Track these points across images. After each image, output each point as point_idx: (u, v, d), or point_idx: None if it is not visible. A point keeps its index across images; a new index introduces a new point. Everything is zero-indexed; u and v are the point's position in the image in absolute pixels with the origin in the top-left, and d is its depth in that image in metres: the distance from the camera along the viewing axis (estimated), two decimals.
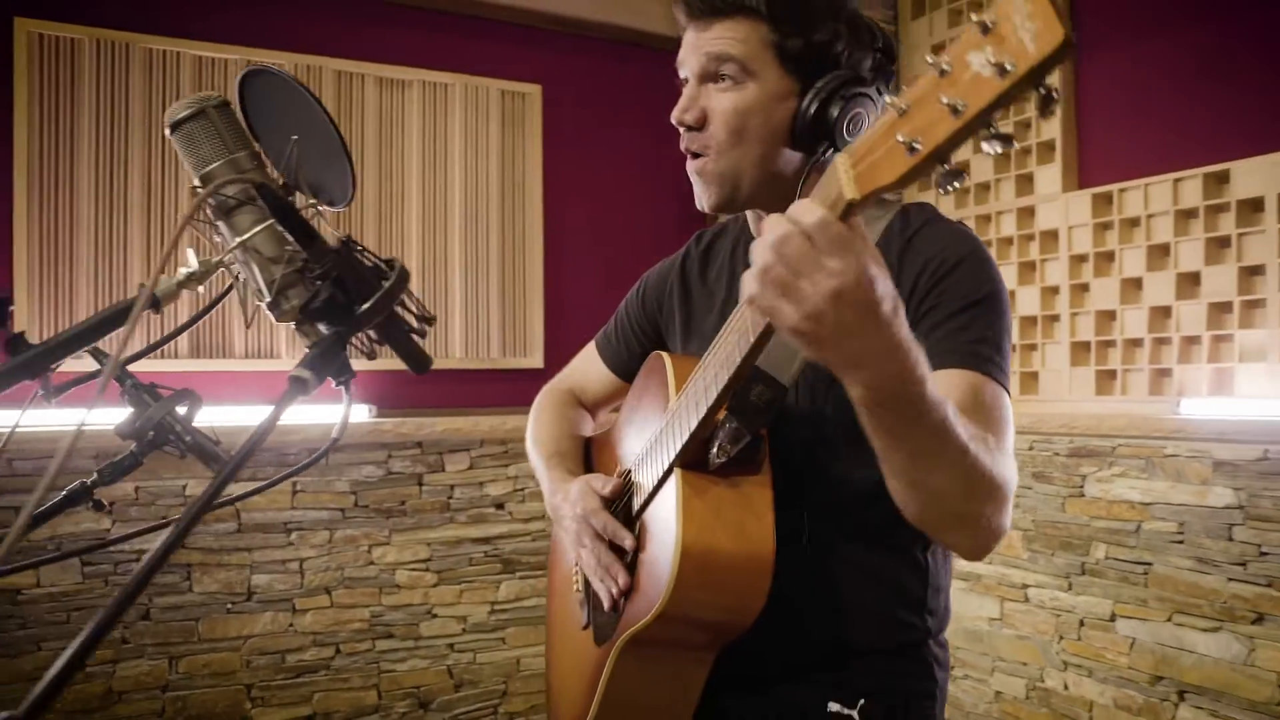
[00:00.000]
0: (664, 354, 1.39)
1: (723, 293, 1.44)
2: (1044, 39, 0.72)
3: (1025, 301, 3.44)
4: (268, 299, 1.11)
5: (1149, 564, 2.98)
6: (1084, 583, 3.14)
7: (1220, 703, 2.78)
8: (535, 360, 3.76)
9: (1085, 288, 3.27)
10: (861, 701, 1.23)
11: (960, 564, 3.45)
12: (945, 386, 1.05)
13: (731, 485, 1.19)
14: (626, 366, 1.59)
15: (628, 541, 1.28)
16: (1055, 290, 3.35)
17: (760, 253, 0.84)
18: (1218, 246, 2.94)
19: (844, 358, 0.87)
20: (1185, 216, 3.00)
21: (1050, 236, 3.37)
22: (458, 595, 3.50)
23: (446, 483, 3.52)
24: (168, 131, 1.10)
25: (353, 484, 3.36)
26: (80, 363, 1.15)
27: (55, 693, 0.62)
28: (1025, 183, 3.47)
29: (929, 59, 0.80)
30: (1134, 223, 3.14)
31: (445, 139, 3.65)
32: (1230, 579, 2.78)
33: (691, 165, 1.31)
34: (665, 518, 1.20)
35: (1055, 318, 3.36)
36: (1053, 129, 3.35)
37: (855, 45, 1.24)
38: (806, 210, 0.84)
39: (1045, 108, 0.76)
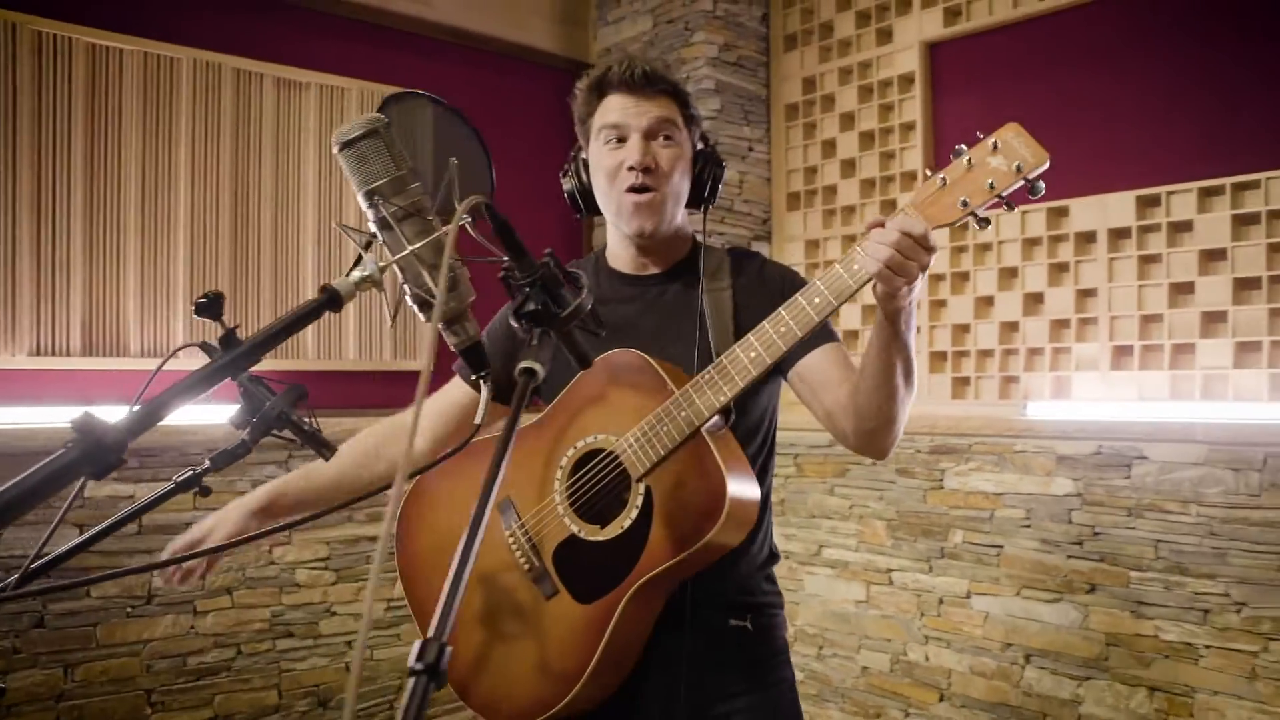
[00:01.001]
0: (641, 353, 1.62)
1: (623, 311, 1.78)
2: (1039, 153, 1.43)
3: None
4: (440, 300, 1.26)
5: (1000, 546, 3.41)
6: (943, 565, 3.56)
7: (1060, 662, 3.24)
8: (425, 363, 3.84)
9: (943, 304, 3.69)
10: (749, 615, 1.71)
11: (829, 553, 3.82)
12: (830, 353, 1.68)
13: (731, 445, 1.57)
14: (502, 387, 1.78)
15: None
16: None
17: (900, 241, 1.38)
18: (1058, 271, 3.41)
19: (907, 300, 1.44)
20: (1031, 244, 3.47)
21: None
22: (356, 593, 3.56)
23: None
24: (335, 149, 1.23)
25: (255, 484, 3.33)
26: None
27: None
28: (889, 208, 3.87)
29: (963, 157, 1.47)
30: (986, 248, 3.58)
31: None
32: (1069, 556, 3.25)
33: (641, 198, 1.67)
34: (696, 470, 1.52)
35: (916, 330, 3.77)
36: (914, 160, 3.76)
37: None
38: (915, 224, 1.40)
39: (1033, 194, 1.44)
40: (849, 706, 3.76)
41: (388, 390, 3.76)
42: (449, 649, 0.89)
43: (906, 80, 3.79)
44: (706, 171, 1.77)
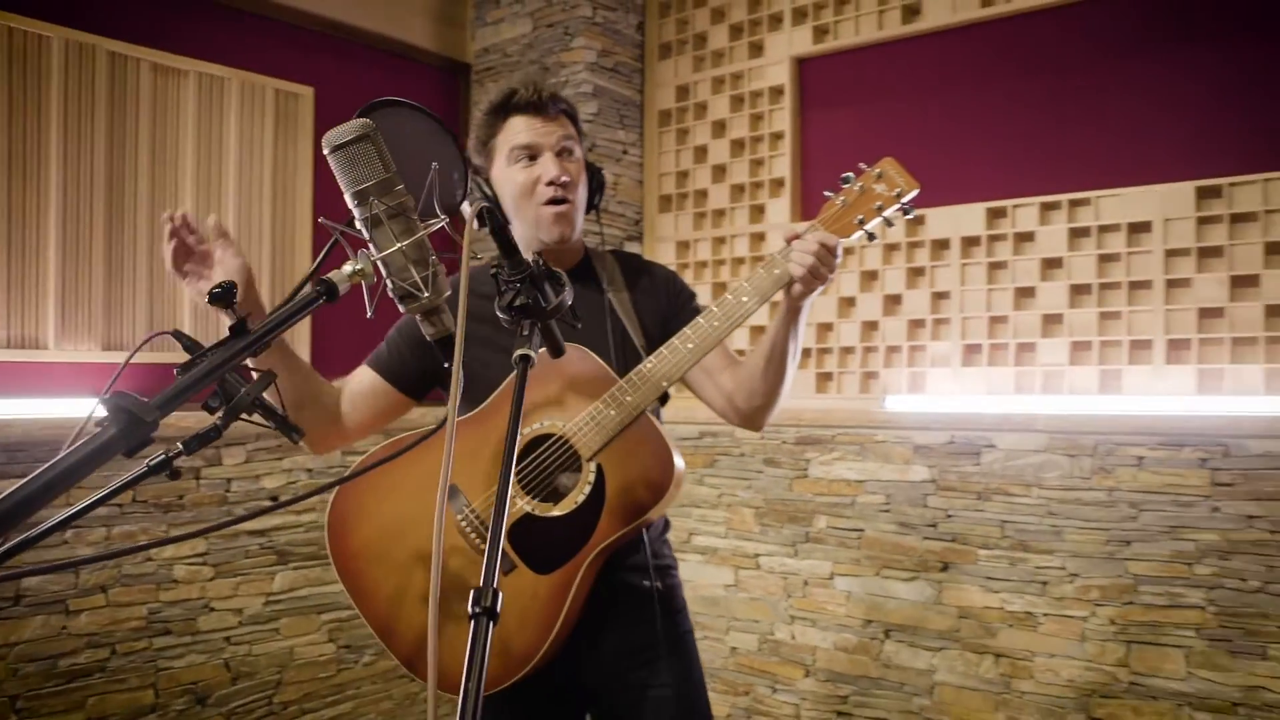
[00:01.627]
0: (582, 346, 1.78)
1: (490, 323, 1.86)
2: (910, 183, 1.80)
3: (755, 315, 4.05)
4: (425, 295, 1.36)
5: (862, 530, 3.67)
6: (808, 549, 3.79)
7: (916, 635, 3.51)
8: (303, 356, 3.82)
9: None
10: (659, 576, 1.91)
11: (699, 540, 3.99)
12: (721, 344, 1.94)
13: (664, 426, 1.77)
14: (398, 374, 1.92)
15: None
16: None
17: (819, 251, 1.69)
18: (915, 275, 3.69)
19: (811, 298, 1.76)
20: (890, 250, 3.74)
21: None
22: (234, 588, 3.51)
23: (224, 476, 3.51)
24: (326, 150, 1.31)
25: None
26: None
27: None
28: (757, 212, 4.08)
29: (855, 184, 1.81)
30: (848, 251, 3.82)
31: (221, 134, 3.63)
32: (925, 538, 3.52)
33: (560, 209, 1.85)
34: (643, 446, 1.71)
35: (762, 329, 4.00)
36: (783, 168, 3.99)
37: None
38: (829, 238, 1.72)
39: (905, 214, 1.83)
40: (719, 686, 3.95)
41: None
42: (500, 594, 0.99)
43: (777, 92, 4.01)
44: (594, 181, 1.97)
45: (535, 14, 4.22)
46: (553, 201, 1.83)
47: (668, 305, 2.00)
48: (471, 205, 1.39)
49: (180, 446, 1.51)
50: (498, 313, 1.39)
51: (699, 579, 4.02)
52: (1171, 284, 3.19)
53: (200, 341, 1.43)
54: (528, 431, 1.76)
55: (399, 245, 1.35)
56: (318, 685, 3.68)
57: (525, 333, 1.34)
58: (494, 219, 1.37)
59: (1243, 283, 3.08)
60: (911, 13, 3.71)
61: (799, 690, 3.76)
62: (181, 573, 3.38)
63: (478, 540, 1.73)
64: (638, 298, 1.96)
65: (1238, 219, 3.08)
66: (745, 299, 1.76)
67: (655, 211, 4.34)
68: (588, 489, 1.69)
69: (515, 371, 1.27)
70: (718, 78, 4.18)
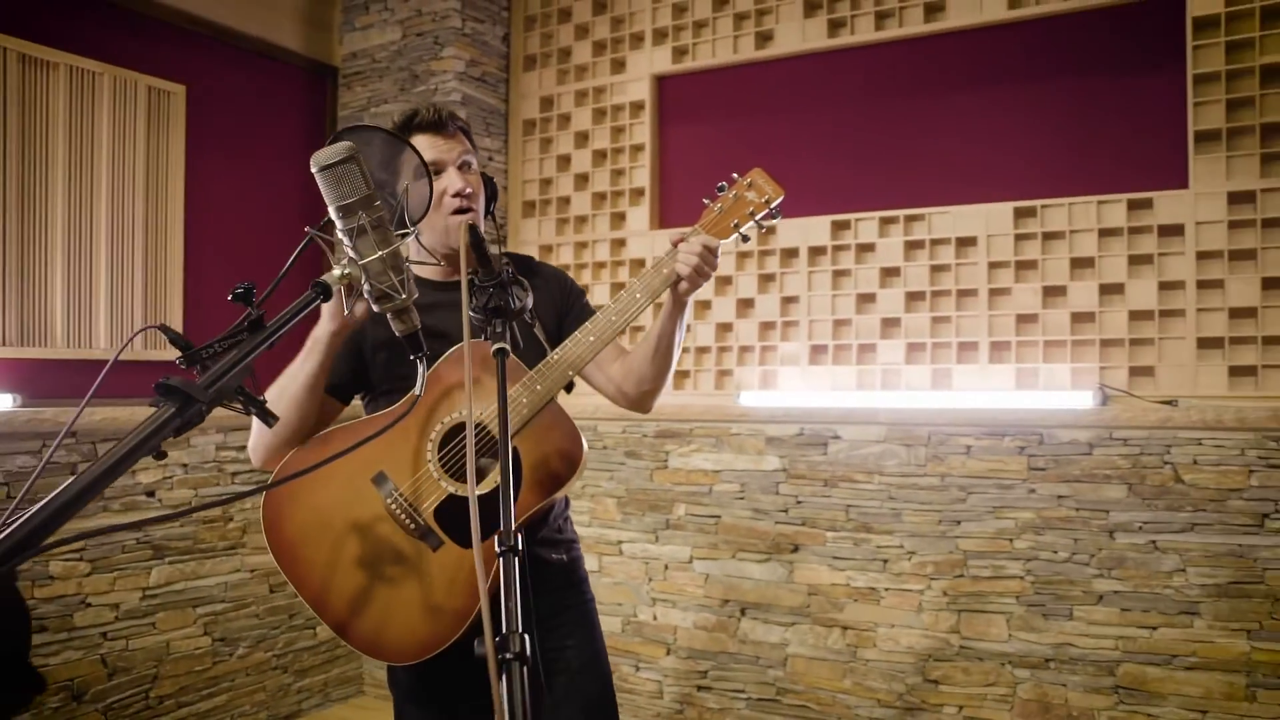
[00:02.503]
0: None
1: (430, 319, 1.94)
2: (778, 190, 1.99)
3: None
4: (401, 296, 1.48)
5: (718, 516, 3.89)
6: (668, 535, 3.98)
7: (770, 612, 3.76)
8: (174, 352, 3.75)
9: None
10: (563, 549, 2.09)
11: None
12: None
13: (565, 410, 1.91)
14: (339, 387, 2.01)
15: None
16: None
17: (703, 253, 1.86)
18: (765, 280, 3.94)
19: (695, 292, 1.90)
20: (743, 257, 3.98)
21: (638, 263, 4.19)
22: (110, 583, 3.41)
23: None
24: (314, 169, 1.42)
25: (6, 475, 3.15)
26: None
27: None
28: (618, 219, 4.25)
29: (730, 192, 1.99)
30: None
31: (93, 129, 3.52)
32: (777, 522, 3.78)
33: (465, 217, 1.95)
34: (554, 429, 1.86)
35: (640, 328, 4.18)
36: (643, 178, 4.17)
37: None
38: (711, 240, 1.89)
39: (773, 219, 2.01)
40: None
41: (137, 380, 3.63)
42: (520, 542, 1.15)
43: (637, 107, 4.19)
44: (488, 190, 2.07)
45: (405, 22, 4.26)
46: (459, 211, 1.95)
47: (561, 301, 2.15)
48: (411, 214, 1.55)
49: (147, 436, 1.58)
50: (469, 312, 1.51)
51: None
52: (993, 292, 3.54)
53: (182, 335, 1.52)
54: (448, 420, 1.86)
55: (380, 253, 1.46)
56: (194, 679, 3.62)
57: (499, 330, 1.47)
58: (475, 233, 1.50)
59: (1053, 292, 3.46)
60: (764, 39, 3.96)
61: (661, 668, 3.96)
62: (58, 569, 3.28)
63: (407, 522, 1.83)
64: (535, 296, 2.07)
65: (1049, 236, 3.46)
66: (638, 295, 1.90)
67: (519, 217, 4.45)
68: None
69: (497, 362, 1.41)
70: (581, 91, 4.33)
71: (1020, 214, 3.49)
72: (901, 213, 3.67)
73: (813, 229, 3.82)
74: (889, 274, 3.71)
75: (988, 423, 3.45)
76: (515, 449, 1.82)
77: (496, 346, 1.44)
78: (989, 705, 3.39)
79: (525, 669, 1.09)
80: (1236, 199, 3.19)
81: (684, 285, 1.87)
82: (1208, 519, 3.12)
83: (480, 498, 1.80)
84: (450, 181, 1.94)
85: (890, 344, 3.69)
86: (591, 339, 1.89)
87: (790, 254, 3.88)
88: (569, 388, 1.94)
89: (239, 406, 1.58)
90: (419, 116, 1.98)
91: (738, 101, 4.04)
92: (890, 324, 3.70)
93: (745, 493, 3.84)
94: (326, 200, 1.46)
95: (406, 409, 1.53)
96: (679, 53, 4.13)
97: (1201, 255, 3.23)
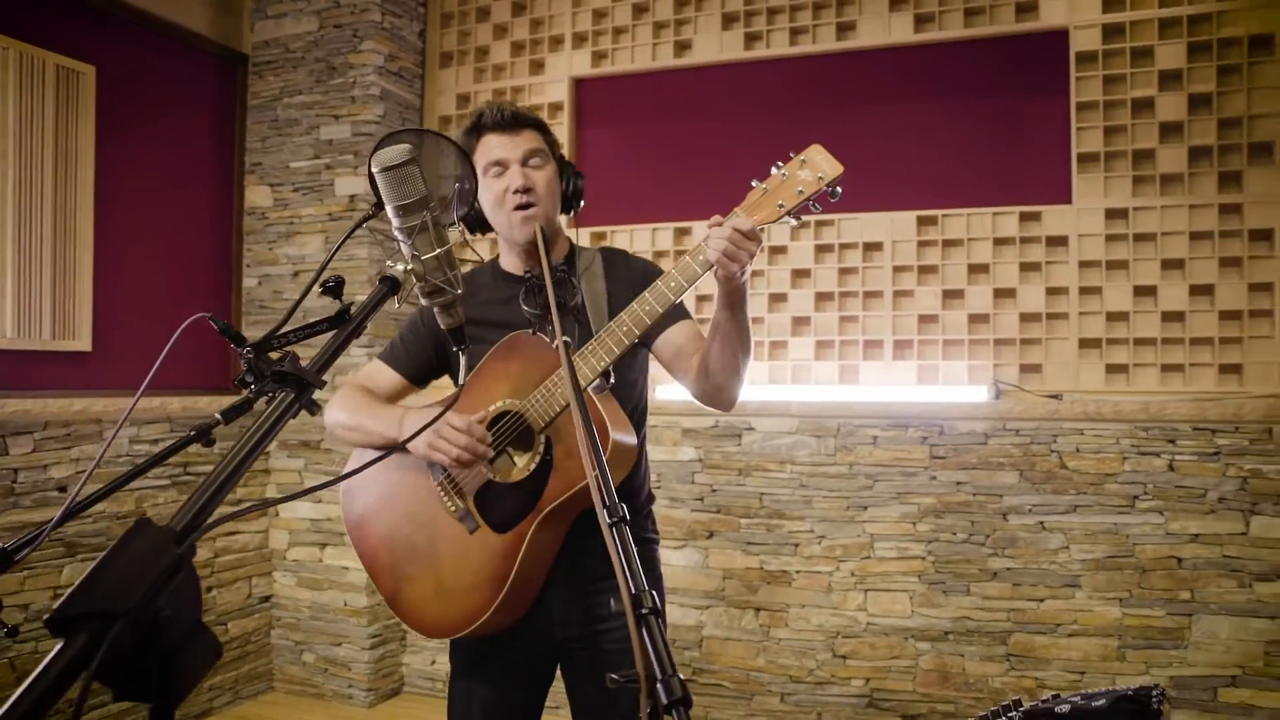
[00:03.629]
0: (538, 334, 1.94)
1: (501, 311, 2.03)
2: (835, 166, 1.77)
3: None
4: (454, 291, 1.53)
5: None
6: None
7: (687, 596, 3.89)
8: (84, 344, 3.59)
9: None
10: (637, 547, 2.11)
11: None
12: (686, 328, 2.05)
13: (612, 403, 1.91)
14: (416, 371, 2.11)
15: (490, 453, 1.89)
16: None
17: (732, 235, 1.72)
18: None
19: (744, 292, 1.81)
20: (659, 256, 4.09)
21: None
22: (20, 583, 3.24)
23: (10, 466, 3.23)
24: (375, 168, 1.46)
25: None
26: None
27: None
28: None
29: (780, 171, 1.84)
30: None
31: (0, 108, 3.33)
32: (693, 510, 3.91)
33: (526, 212, 1.97)
34: (601, 420, 1.85)
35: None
36: None
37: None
38: (743, 222, 1.75)
39: (831, 198, 1.82)
40: None
41: (45, 370, 3.46)
42: (626, 513, 1.22)
43: (556, 107, 4.24)
44: (570, 184, 2.07)
45: (322, 13, 4.17)
46: (519, 207, 1.96)
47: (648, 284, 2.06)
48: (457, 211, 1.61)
49: (219, 417, 1.59)
50: (524, 307, 1.57)
51: None
52: (897, 294, 3.77)
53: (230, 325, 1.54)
54: (491, 409, 1.91)
55: (437, 251, 1.51)
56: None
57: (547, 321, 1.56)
58: (543, 234, 1.56)
59: (952, 295, 3.71)
60: (683, 48, 4.08)
61: None
62: None
63: (449, 505, 1.92)
64: (611, 288, 2.04)
65: (948, 243, 3.70)
66: (673, 284, 1.84)
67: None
68: (538, 458, 1.86)
69: (562, 351, 1.47)
70: (499, 89, 4.34)
71: (923, 222, 3.72)
72: (811, 218, 3.86)
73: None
74: (800, 275, 3.89)
75: (892, 415, 3.67)
76: (547, 439, 1.87)
77: (561, 339, 1.50)
78: (893, 676, 3.61)
79: (660, 621, 1.14)
80: (1112, 215, 3.51)
81: (719, 271, 1.77)
82: (1088, 501, 3.43)
83: (513, 485, 1.86)
84: (511, 179, 1.95)
85: (801, 341, 3.87)
86: (624, 329, 1.85)
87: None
88: (607, 378, 1.90)
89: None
90: (484, 117, 2.00)
91: (656, 106, 4.15)
92: (801, 322, 3.88)
93: (662, 482, 3.95)
94: (385, 199, 1.48)
95: (450, 402, 1.55)
96: (598, 57, 4.20)
97: (1083, 264, 3.54)
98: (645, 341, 2.03)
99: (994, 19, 3.67)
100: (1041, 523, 3.47)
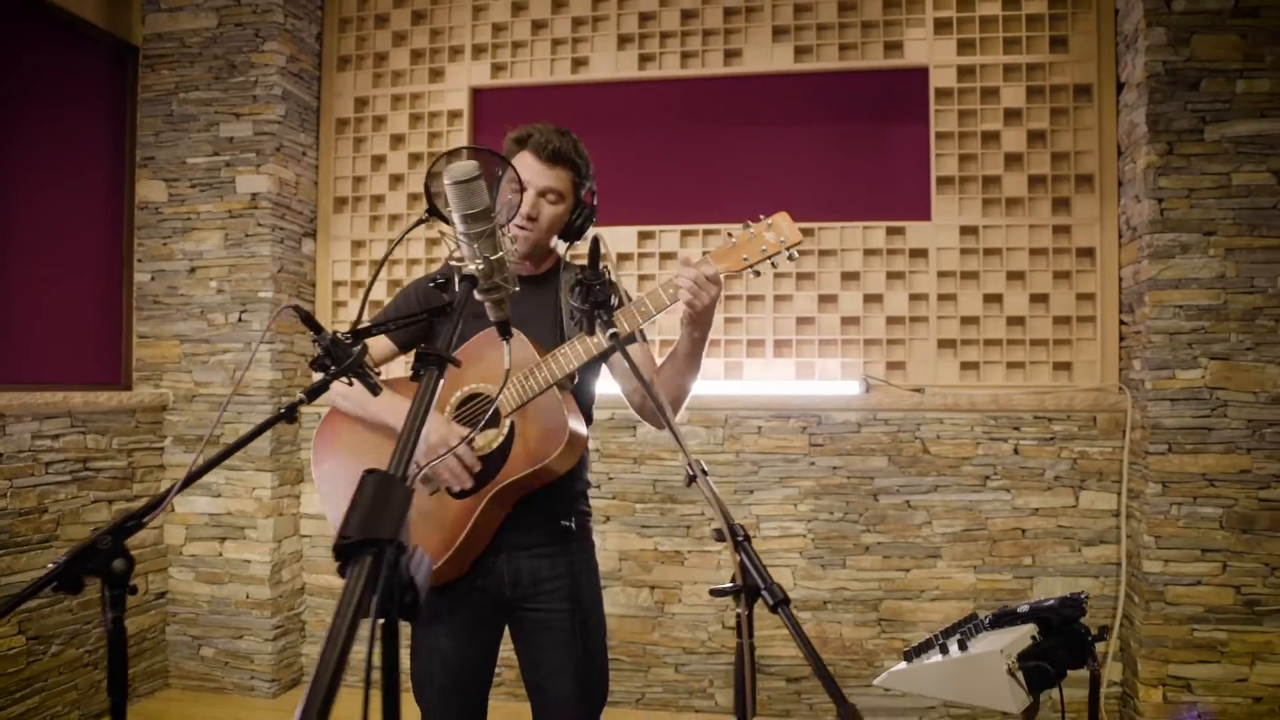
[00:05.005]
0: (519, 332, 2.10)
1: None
2: (797, 235, 2.05)
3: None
4: (511, 289, 1.69)
5: None
6: None
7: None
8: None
9: None
10: (573, 519, 2.24)
11: None
12: (642, 350, 2.26)
13: (570, 400, 2.10)
14: (408, 341, 2.24)
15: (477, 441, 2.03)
16: None
17: (697, 277, 1.93)
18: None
19: (708, 321, 2.01)
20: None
21: (456, 261, 4.31)
22: None
23: None
24: (447, 181, 1.60)
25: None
26: None
27: None
28: (434, 221, 4.35)
29: (749, 230, 2.07)
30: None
31: None
32: (592, 497, 4.07)
33: (520, 232, 2.14)
34: (547, 412, 2.04)
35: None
36: None
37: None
38: (710, 269, 1.97)
39: (790, 260, 2.11)
40: (410, 640, 4.17)
41: None
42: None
43: (455, 115, 4.32)
44: (579, 219, 2.23)
45: (221, 10, 4.09)
46: (519, 226, 2.12)
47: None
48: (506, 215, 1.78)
49: (303, 395, 1.70)
50: (570, 302, 1.74)
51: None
52: (778, 298, 4.07)
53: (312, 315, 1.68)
54: (465, 390, 2.06)
55: (501, 254, 1.66)
56: (7, 681, 3.31)
57: (606, 318, 1.73)
58: (595, 245, 1.74)
59: (826, 299, 4.04)
60: (580, 64, 4.25)
61: None
62: None
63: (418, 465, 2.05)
64: (573, 302, 2.25)
65: (824, 253, 4.04)
66: (642, 310, 2.04)
67: (330, 211, 4.41)
68: (500, 439, 2.02)
69: (613, 344, 1.67)
70: (397, 95, 4.37)
71: (801, 233, 4.03)
72: (700, 226, 4.11)
73: (621, 237, 4.16)
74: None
75: (775, 407, 3.97)
76: (512, 424, 2.03)
77: (611, 331, 1.69)
78: (778, 643, 3.90)
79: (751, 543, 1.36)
80: (965, 231, 3.93)
81: (685, 309, 2.00)
82: (947, 481, 3.82)
83: (482, 457, 2.02)
84: (525, 202, 2.10)
85: None
86: (594, 340, 2.00)
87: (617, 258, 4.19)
88: (570, 379, 2.12)
89: (354, 378, 1.77)
90: (534, 139, 2.13)
91: (553, 117, 4.22)
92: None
93: None
94: (454, 208, 1.62)
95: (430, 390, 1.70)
96: (497, 68, 4.31)
97: (940, 274, 3.94)
98: (604, 356, 2.21)
99: (865, 55, 4.03)
100: (908, 501, 3.85)
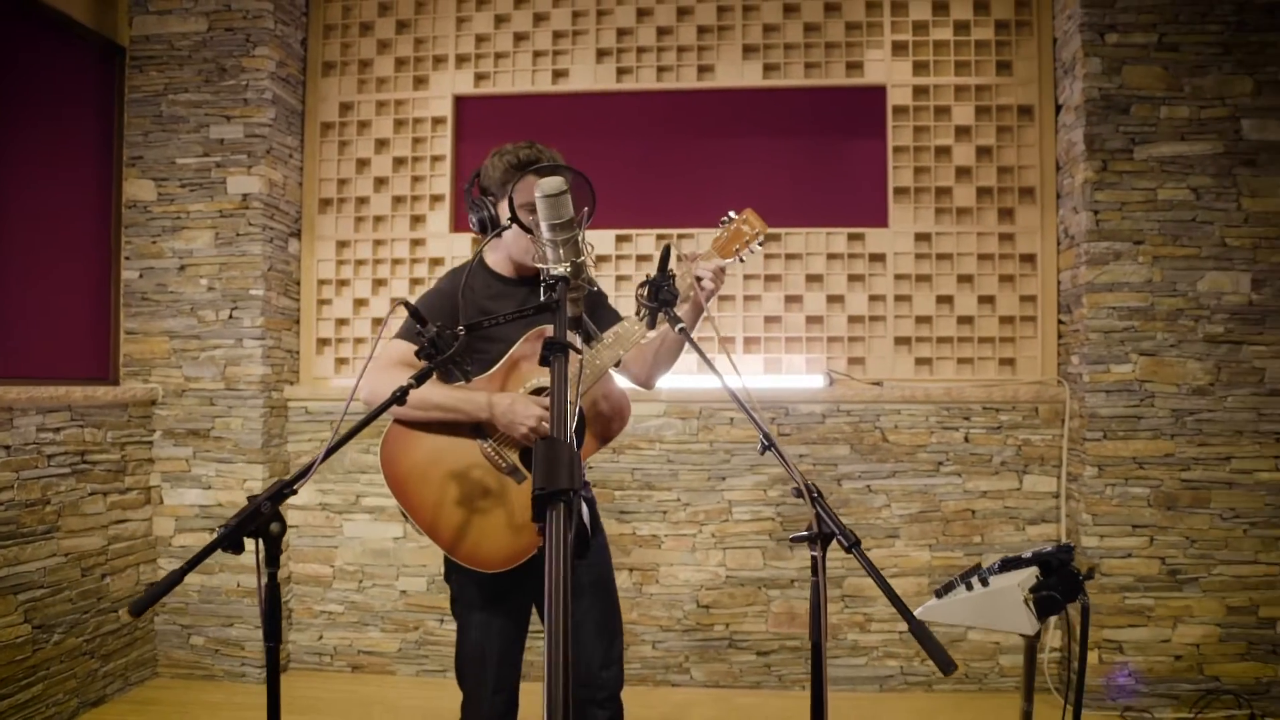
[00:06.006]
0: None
1: (496, 304, 2.39)
2: (763, 226, 2.46)
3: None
4: (591, 289, 1.88)
5: None
6: None
7: None
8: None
9: None
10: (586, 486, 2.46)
11: (367, 501, 4.29)
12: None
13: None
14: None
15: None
16: None
17: (715, 270, 2.26)
18: None
19: (710, 299, 2.29)
20: None
21: (436, 262, 4.43)
22: None
23: None
24: (538, 195, 1.77)
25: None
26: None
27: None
28: (417, 221, 4.45)
29: (734, 224, 2.44)
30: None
31: None
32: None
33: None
34: (608, 396, 2.28)
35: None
36: (442, 186, 4.42)
37: None
38: (721, 262, 2.31)
39: (760, 246, 2.49)
40: (389, 625, 4.27)
41: None
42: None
43: (438, 121, 4.43)
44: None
45: (211, 15, 4.12)
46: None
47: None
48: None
49: (413, 381, 1.86)
50: (641, 300, 1.95)
51: (370, 535, 4.29)
52: (747, 298, 4.29)
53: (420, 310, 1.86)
54: (530, 385, 2.25)
55: (583, 257, 1.85)
56: (14, 669, 3.31)
57: (671, 313, 2.00)
58: (666, 252, 1.96)
59: (792, 300, 4.28)
60: (560, 75, 4.40)
61: None
62: None
63: (499, 461, 2.21)
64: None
65: (790, 256, 4.27)
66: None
67: (315, 212, 4.48)
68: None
69: (677, 333, 1.91)
70: (382, 101, 4.46)
71: (769, 238, 4.26)
72: (675, 231, 4.30)
73: (600, 240, 4.34)
74: None
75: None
76: (581, 409, 2.21)
77: (680, 325, 1.93)
78: (749, 620, 4.12)
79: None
80: (920, 237, 4.21)
81: (697, 292, 2.31)
82: (904, 467, 4.09)
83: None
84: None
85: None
86: (637, 328, 2.31)
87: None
88: (617, 365, 2.35)
89: (451, 367, 1.97)
90: (536, 164, 2.33)
91: (534, 125, 4.43)
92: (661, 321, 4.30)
93: None
94: (542, 217, 1.81)
95: (535, 391, 1.88)
96: (480, 77, 4.43)
97: (897, 277, 4.21)
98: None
99: (828, 73, 4.28)
100: (868, 486, 4.11)
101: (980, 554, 4.05)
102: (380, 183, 4.47)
